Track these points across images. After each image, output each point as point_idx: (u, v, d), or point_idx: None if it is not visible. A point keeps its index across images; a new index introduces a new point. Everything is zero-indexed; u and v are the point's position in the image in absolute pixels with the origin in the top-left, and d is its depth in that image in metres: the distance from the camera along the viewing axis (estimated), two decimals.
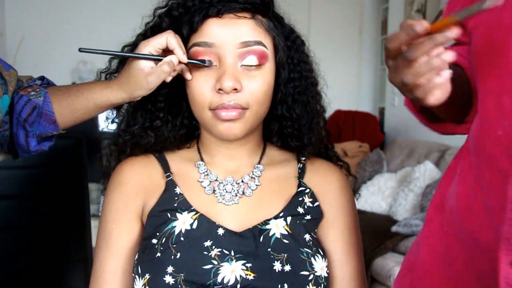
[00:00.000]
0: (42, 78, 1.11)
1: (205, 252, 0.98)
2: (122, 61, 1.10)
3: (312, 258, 1.01)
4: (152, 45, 0.99)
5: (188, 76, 1.02)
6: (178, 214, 1.03)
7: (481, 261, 0.85)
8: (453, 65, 0.89)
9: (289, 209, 1.06)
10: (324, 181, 1.13)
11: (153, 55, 0.99)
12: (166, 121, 1.10)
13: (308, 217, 1.07)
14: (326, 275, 1.02)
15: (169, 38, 0.98)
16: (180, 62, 0.99)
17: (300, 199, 1.08)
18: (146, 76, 0.99)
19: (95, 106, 1.04)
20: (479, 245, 0.84)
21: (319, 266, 1.01)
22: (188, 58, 1.00)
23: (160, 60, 0.99)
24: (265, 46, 1.02)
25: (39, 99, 1.04)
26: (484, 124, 0.84)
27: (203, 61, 1.00)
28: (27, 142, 1.06)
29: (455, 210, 0.90)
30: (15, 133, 1.05)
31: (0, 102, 1.00)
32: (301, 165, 1.14)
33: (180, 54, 0.98)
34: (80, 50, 1.01)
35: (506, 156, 0.79)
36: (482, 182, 0.84)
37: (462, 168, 0.92)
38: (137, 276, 1.00)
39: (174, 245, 0.99)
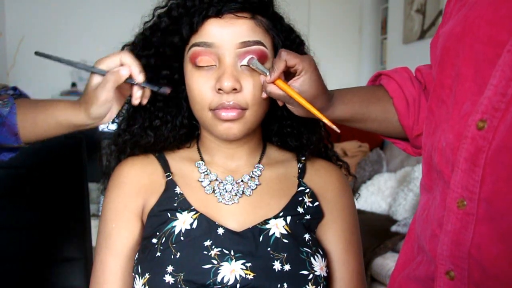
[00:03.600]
0: (15, 88, 1.10)
1: (205, 252, 0.98)
2: None
3: (311, 258, 1.01)
4: (106, 63, 0.96)
5: (134, 101, 1.00)
6: (178, 214, 1.03)
7: (426, 268, 0.89)
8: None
9: (289, 209, 1.06)
10: (324, 181, 1.13)
11: (101, 70, 0.96)
12: (166, 121, 1.10)
13: (308, 216, 1.07)
14: (325, 274, 1.03)
15: (123, 58, 0.96)
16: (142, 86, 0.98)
17: (300, 198, 1.08)
18: (95, 89, 0.95)
19: (56, 124, 1.01)
20: (427, 253, 0.88)
21: (319, 265, 1.01)
22: (148, 82, 0.98)
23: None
24: (265, 46, 1.02)
25: (5, 109, 1.02)
26: (435, 136, 0.89)
27: (158, 87, 0.99)
28: None
29: (417, 219, 0.94)
30: None
31: None
32: (301, 165, 1.14)
33: (136, 71, 0.96)
34: (36, 53, 1.00)
35: (448, 168, 0.83)
36: (435, 193, 0.87)
37: (422, 181, 0.98)
38: (137, 276, 1.00)
39: (174, 245, 0.99)
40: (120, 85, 0.96)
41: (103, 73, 0.95)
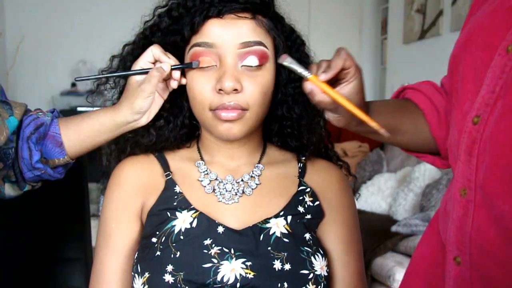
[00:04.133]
0: (52, 110, 1.12)
1: (205, 251, 0.98)
2: (122, 59, 1.10)
3: (312, 257, 1.01)
4: (142, 62, 1.03)
5: (182, 80, 1.05)
6: (177, 213, 1.03)
7: (441, 257, 0.94)
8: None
9: (290, 208, 1.06)
10: (324, 181, 1.14)
11: (143, 69, 1.03)
12: (168, 121, 1.10)
13: (309, 216, 1.07)
14: (326, 274, 1.03)
15: (153, 50, 1.03)
16: (173, 69, 1.02)
17: (301, 198, 1.08)
18: (140, 85, 1.02)
19: (100, 126, 1.06)
20: (443, 242, 0.94)
21: (319, 265, 1.01)
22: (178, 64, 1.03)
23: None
24: (266, 47, 1.02)
25: (47, 118, 1.06)
26: (451, 137, 0.94)
27: (190, 63, 1.02)
28: (31, 156, 1.06)
29: (440, 213, 1.00)
30: (20, 147, 1.06)
31: (7, 121, 1.02)
32: (301, 164, 1.14)
33: (165, 59, 1.02)
34: (76, 80, 1.07)
35: (454, 162, 0.91)
36: (450, 187, 0.94)
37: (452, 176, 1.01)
38: (136, 275, 1.00)
39: (174, 244, 0.99)
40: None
41: (146, 72, 1.02)
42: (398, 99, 1.14)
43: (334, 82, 0.91)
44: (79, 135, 1.07)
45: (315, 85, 0.90)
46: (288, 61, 0.94)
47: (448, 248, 0.89)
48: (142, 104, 1.02)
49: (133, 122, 1.05)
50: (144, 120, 1.05)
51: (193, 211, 1.03)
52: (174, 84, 1.04)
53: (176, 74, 1.04)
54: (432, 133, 1.06)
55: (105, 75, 1.09)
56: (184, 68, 1.04)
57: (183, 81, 1.04)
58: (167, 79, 1.04)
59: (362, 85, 0.93)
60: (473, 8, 0.99)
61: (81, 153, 1.10)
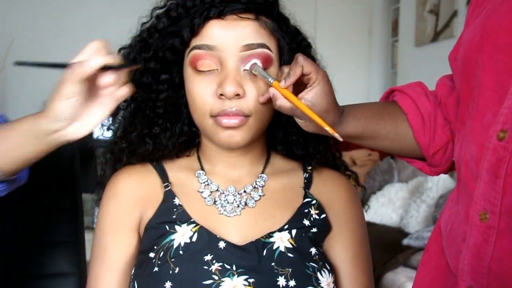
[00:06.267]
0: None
1: (205, 267, 0.97)
2: None
3: (318, 273, 1.01)
4: (80, 57, 0.92)
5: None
6: (177, 227, 1.02)
7: (450, 285, 0.91)
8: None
9: (294, 221, 1.06)
10: (331, 192, 1.13)
11: (61, 62, 0.92)
12: (165, 128, 1.10)
13: (314, 229, 1.07)
14: None
15: (91, 45, 0.93)
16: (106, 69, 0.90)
17: (306, 210, 1.08)
18: (61, 84, 0.89)
19: (23, 134, 0.93)
20: (452, 270, 0.91)
21: (326, 281, 1.01)
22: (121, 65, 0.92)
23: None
24: (270, 49, 1.01)
25: None
26: (462, 148, 0.91)
27: (130, 63, 0.96)
28: None
29: (444, 237, 0.96)
30: None
31: None
32: (307, 175, 1.13)
33: (97, 56, 0.90)
34: (17, 64, 0.96)
35: (472, 180, 0.84)
36: (459, 208, 0.90)
37: (452, 195, 0.98)
38: None
39: (173, 259, 0.98)
40: (99, 84, 0.91)
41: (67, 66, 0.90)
42: (382, 102, 1.15)
43: (304, 86, 0.96)
44: (7, 146, 0.94)
45: (277, 91, 0.95)
46: (255, 69, 0.99)
47: (460, 277, 0.85)
48: (61, 106, 0.87)
49: (60, 131, 0.91)
50: (73, 130, 0.91)
51: (193, 224, 1.03)
52: (121, 93, 0.92)
53: (108, 78, 0.90)
54: (416, 139, 1.05)
55: (47, 65, 0.98)
56: (122, 68, 0.92)
57: (125, 90, 0.92)
58: (112, 85, 0.91)
59: (328, 89, 0.96)
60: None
61: (19, 168, 0.97)
